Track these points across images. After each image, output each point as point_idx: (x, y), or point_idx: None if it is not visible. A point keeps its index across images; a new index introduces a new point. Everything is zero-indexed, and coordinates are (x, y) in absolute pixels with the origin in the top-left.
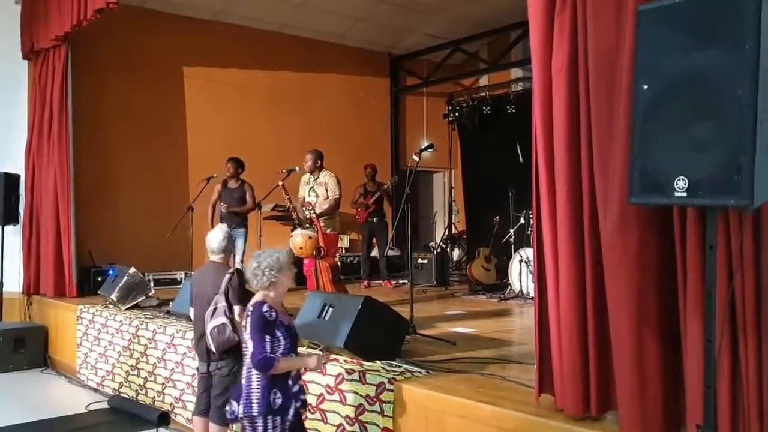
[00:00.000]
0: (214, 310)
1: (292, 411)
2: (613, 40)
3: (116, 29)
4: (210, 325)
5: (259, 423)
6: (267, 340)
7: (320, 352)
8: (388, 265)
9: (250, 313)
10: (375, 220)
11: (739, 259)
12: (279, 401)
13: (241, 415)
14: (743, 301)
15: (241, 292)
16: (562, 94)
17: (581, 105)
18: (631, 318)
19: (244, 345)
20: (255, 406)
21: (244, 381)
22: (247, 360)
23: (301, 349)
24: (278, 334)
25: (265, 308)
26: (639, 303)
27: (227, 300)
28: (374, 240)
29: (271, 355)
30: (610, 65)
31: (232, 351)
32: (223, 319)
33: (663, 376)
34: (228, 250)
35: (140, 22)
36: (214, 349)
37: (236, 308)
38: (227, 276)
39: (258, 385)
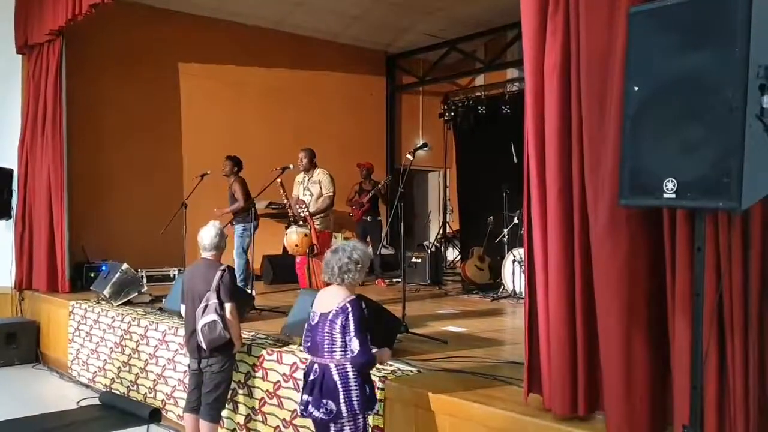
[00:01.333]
0: (205, 307)
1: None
2: (606, 41)
3: (111, 24)
4: (201, 322)
5: (360, 418)
6: (368, 338)
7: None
8: (382, 263)
9: (349, 311)
10: (369, 218)
11: (728, 261)
12: (368, 393)
13: (345, 414)
14: (731, 302)
15: (232, 289)
16: (554, 95)
17: (573, 106)
18: (620, 318)
19: (328, 341)
20: (356, 404)
21: (337, 379)
22: (337, 357)
23: None
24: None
25: (363, 306)
26: (628, 303)
27: (218, 297)
28: (368, 238)
29: (373, 353)
30: (602, 67)
31: (222, 348)
32: (214, 317)
33: (650, 376)
34: (220, 247)
35: (136, 18)
36: (204, 346)
37: (227, 305)
38: (218, 273)
39: (356, 382)
